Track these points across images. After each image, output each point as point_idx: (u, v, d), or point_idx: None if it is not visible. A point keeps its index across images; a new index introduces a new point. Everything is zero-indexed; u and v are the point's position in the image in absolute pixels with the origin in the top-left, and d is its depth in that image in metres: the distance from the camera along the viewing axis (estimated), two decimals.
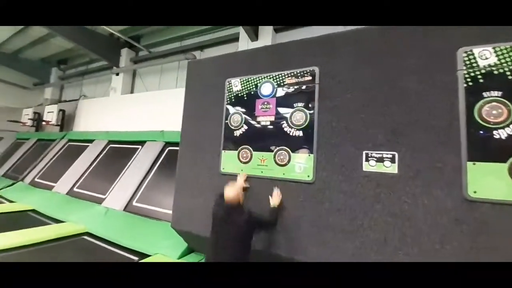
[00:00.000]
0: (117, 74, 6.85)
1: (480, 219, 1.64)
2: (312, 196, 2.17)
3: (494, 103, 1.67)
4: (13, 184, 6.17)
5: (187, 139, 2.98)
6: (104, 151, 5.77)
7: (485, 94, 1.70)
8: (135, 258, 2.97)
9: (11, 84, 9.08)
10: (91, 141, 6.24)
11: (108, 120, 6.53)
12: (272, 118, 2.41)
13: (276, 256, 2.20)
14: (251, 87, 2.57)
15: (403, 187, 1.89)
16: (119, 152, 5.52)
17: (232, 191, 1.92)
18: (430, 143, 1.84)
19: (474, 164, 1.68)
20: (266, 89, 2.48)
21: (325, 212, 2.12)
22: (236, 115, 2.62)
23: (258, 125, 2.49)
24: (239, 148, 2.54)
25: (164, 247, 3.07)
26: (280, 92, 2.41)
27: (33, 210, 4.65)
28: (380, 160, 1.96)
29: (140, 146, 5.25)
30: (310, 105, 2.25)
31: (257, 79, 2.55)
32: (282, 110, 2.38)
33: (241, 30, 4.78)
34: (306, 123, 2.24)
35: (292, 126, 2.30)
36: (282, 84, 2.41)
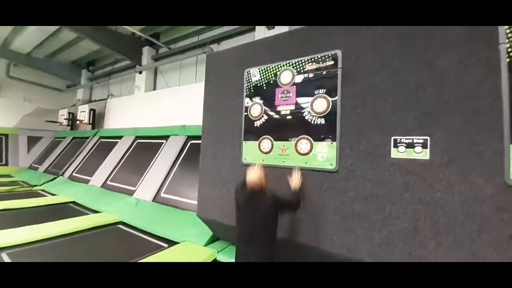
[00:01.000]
0: (140, 73, 7.13)
1: None
2: (336, 185, 2.13)
3: None
4: (54, 179, 6.77)
5: (208, 132, 3.04)
6: (132, 146, 6.10)
7: None
8: (165, 245, 3.15)
9: (47, 87, 9.88)
10: (120, 137, 6.63)
11: (134, 117, 6.86)
12: (293, 107, 2.37)
13: (301, 245, 2.21)
14: (270, 76, 2.54)
15: (435, 173, 1.77)
16: (145, 147, 5.80)
17: (255, 174, 1.88)
18: (468, 126, 1.69)
19: None
20: (285, 77, 2.43)
21: (349, 201, 2.06)
22: (256, 106, 2.61)
23: (278, 115, 2.47)
24: (260, 139, 2.55)
25: (192, 235, 3.21)
26: (300, 79, 2.35)
27: (73, 202, 5.09)
28: (411, 145, 1.85)
29: (164, 141, 5.48)
30: (332, 92, 2.17)
31: (276, 67, 2.50)
32: (302, 98, 2.33)
33: None
34: (329, 110, 2.17)
35: (314, 114, 2.25)
36: (302, 71, 2.34)
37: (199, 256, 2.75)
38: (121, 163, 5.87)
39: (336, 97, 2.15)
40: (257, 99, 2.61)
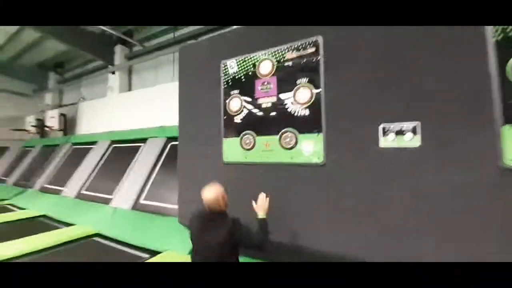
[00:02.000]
0: (113, 73, 6.70)
1: None
2: (323, 179, 2.00)
3: None
4: (23, 192, 6.23)
5: (185, 130, 2.83)
6: (108, 152, 5.72)
7: None
8: (146, 256, 2.90)
9: (10, 93, 9.07)
10: (94, 143, 6.20)
11: (109, 120, 6.45)
12: (274, 99, 2.22)
13: (290, 246, 2.07)
14: (248, 67, 2.37)
15: (426, 161, 1.68)
16: (122, 152, 5.46)
17: (211, 192, 1.57)
18: (459, 110, 1.61)
19: (511, 128, 1.46)
20: (265, 67, 2.27)
21: (338, 196, 1.95)
22: (234, 99, 2.43)
23: (259, 108, 2.30)
24: (241, 135, 2.37)
25: (175, 243, 2.99)
26: (281, 69, 2.19)
27: (44, 216, 4.66)
28: (400, 132, 1.75)
29: (142, 144, 5.17)
30: (315, 80, 2.03)
31: (255, 57, 2.33)
32: (284, 88, 2.18)
33: None
34: (312, 100, 2.04)
35: (297, 105, 2.11)
36: (282, 60, 2.19)
37: None
38: (96, 171, 5.47)
39: (320, 86, 2.01)
40: (235, 93, 2.43)
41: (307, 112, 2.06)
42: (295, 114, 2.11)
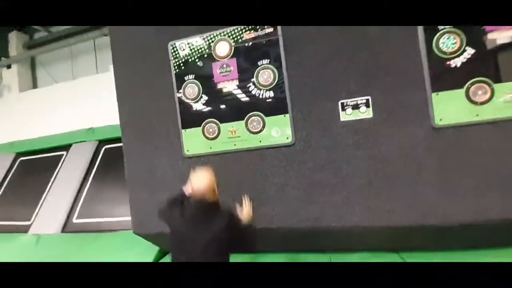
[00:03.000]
0: (9, 67, 5.19)
1: (447, 143, 1.80)
2: (294, 158, 2.04)
3: (446, 34, 1.77)
4: None
5: (129, 126, 2.42)
6: (14, 168, 4.46)
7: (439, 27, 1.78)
8: None
9: None
10: None
11: (10, 128, 5.00)
12: (236, 82, 2.11)
13: (270, 230, 2.05)
14: (203, 49, 2.17)
15: (379, 129, 1.91)
16: (35, 165, 4.35)
17: (204, 179, 1.35)
18: (398, 82, 1.87)
19: (437, 94, 1.79)
20: (222, 49, 2.12)
21: (309, 172, 2.02)
22: (190, 85, 2.20)
23: (220, 93, 2.15)
24: (203, 124, 2.18)
25: (132, 258, 2.56)
26: (240, 50, 2.09)
27: None
28: (356, 107, 1.92)
29: (64, 152, 4.24)
30: (276, 61, 2.02)
31: (209, 37, 2.15)
32: (245, 71, 2.09)
33: None
34: (276, 82, 2.03)
35: (261, 87, 2.06)
36: (240, 40, 2.09)
37: None
38: None
39: (282, 67, 2.01)
40: (191, 78, 2.20)
41: (271, 93, 2.04)
42: (260, 96, 2.06)
